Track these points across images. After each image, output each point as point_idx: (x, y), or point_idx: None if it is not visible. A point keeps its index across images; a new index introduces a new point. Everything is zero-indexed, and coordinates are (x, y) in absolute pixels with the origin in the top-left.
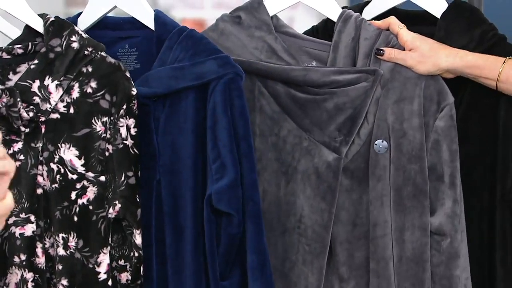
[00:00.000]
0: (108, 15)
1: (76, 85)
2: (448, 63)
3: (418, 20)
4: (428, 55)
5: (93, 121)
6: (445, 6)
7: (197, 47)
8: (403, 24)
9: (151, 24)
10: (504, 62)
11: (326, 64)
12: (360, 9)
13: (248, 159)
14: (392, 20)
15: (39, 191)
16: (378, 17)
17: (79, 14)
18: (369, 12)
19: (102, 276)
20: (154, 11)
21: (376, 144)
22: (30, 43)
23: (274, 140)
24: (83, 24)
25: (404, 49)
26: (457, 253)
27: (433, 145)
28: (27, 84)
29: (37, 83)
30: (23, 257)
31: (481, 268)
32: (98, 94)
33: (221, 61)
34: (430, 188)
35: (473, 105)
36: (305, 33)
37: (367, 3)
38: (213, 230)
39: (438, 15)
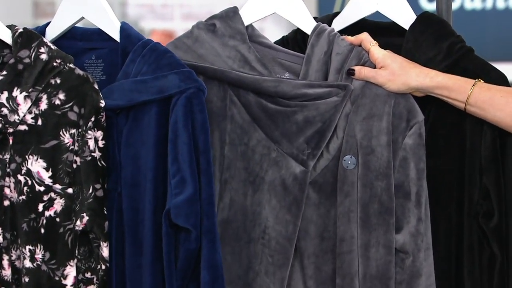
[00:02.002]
0: (76, 25)
1: (44, 96)
2: (418, 82)
3: (387, 32)
4: (398, 74)
5: (61, 133)
6: (413, 18)
7: (160, 61)
8: (375, 41)
9: (117, 36)
10: (473, 85)
11: (299, 76)
12: (329, 20)
13: (206, 174)
14: (364, 37)
15: (6, 203)
16: (348, 28)
17: (47, 24)
18: (338, 23)
19: None
20: (121, 23)
21: (344, 160)
22: None
23: (243, 149)
24: (51, 34)
25: (375, 66)
26: (419, 272)
27: (401, 163)
28: None
29: (5, 94)
30: None
31: (448, 282)
32: (66, 106)
33: (183, 75)
34: (397, 205)
35: (440, 120)
36: (275, 43)
37: (336, 14)
38: (171, 244)
39: (407, 27)
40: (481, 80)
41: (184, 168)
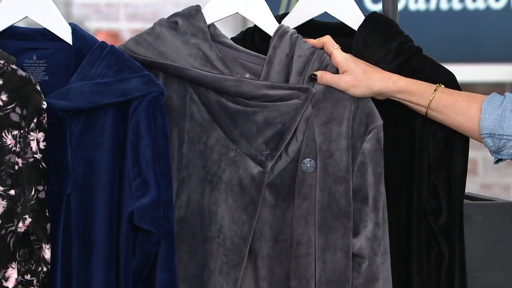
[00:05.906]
0: (17, 25)
1: None
2: (381, 86)
3: (335, 32)
4: (361, 79)
5: (3, 134)
6: (361, 18)
7: (121, 64)
8: (337, 45)
9: (66, 37)
10: (435, 89)
11: (260, 77)
12: (278, 20)
13: (166, 178)
14: (327, 40)
15: None
16: (296, 29)
17: None
18: (287, 24)
19: None
20: (70, 24)
21: (304, 163)
22: None
23: (202, 148)
24: None
25: (337, 69)
26: (375, 276)
27: (359, 167)
28: None
29: None
30: None
31: (398, 280)
32: (9, 107)
33: (146, 79)
34: (355, 210)
35: (391, 119)
36: None
37: (284, 15)
38: (130, 247)
39: (355, 27)
40: (442, 85)
41: (147, 171)
